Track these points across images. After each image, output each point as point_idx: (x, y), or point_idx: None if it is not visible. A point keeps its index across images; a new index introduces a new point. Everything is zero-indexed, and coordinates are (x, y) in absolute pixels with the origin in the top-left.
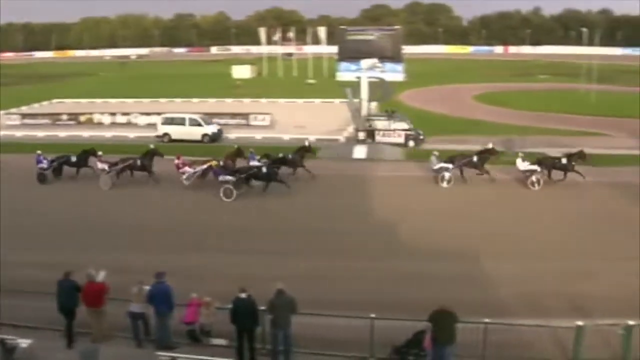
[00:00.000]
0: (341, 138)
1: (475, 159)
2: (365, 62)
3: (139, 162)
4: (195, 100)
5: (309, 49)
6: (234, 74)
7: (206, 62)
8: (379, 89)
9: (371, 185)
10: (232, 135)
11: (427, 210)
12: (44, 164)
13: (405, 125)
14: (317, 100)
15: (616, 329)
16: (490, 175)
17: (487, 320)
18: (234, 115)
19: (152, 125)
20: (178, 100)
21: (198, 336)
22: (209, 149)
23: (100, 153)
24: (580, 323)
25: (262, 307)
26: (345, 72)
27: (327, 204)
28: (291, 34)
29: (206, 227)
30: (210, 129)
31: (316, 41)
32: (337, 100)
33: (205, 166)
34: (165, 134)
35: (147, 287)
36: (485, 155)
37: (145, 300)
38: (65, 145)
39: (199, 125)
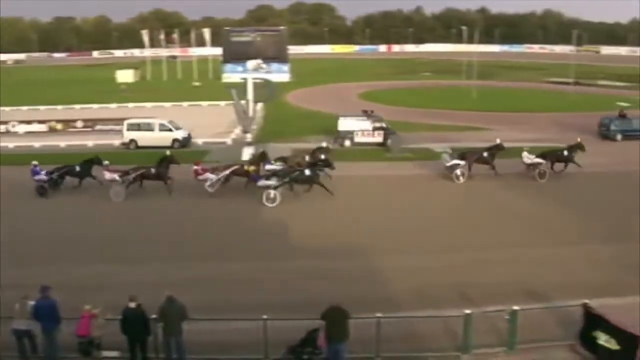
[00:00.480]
0: (228, 140)
1: (485, 154)
2: (251, 63)
3: (153, 170)
4: (77, 107)
5: (194, 51)
6: (118, 78)
7: (88, 67)
8: (265, 90)
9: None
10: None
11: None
12: (42, 175)
13: (383, 125)
14: (204, 103)
15: (502, 314)
16: (496, 170)
17: (379, 314)
18: (118, 122)
19: (33, 134)
20: (59, 107)
21: (89, 349)
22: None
23: (106, 162)
24: (468, 311)
25: (154, 316)
26: (231, 74)
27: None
28: (175, 36)
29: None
30: (181, 134)
31: (201, 43)
32: (223, 103)
33: (228, 171)
34: (132, 141)
35: (31, 303)
36: (494, 150)
37: (30, 316)
38: None
39: (169, 130)
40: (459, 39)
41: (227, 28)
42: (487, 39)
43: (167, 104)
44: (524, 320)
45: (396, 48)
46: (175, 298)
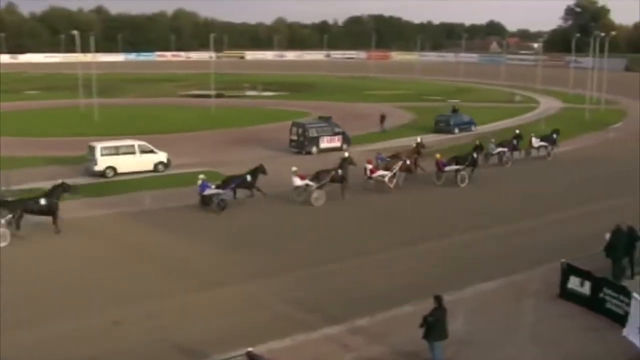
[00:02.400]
0: None
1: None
2: None
3: (340, 172)
4: None
5: None
6: None
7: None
8: None
9: None
10: None
11: None
12: (213, 190)
13: (340, 129)
14: None
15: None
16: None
17: None
18: None
19: None
20: None
21: None
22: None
23: (294, 168)
24: None
25: None
26: None
27: None
28: None
29: None
30: (164, 156)
31: None
32: None
33: (400, 163)
34: (109, 168)
35: None
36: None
37: None
38: None
39: (151, 152)
40: (70, 47)
41: None
42: (107, 46)
43: None
44: None
45: None
46: None
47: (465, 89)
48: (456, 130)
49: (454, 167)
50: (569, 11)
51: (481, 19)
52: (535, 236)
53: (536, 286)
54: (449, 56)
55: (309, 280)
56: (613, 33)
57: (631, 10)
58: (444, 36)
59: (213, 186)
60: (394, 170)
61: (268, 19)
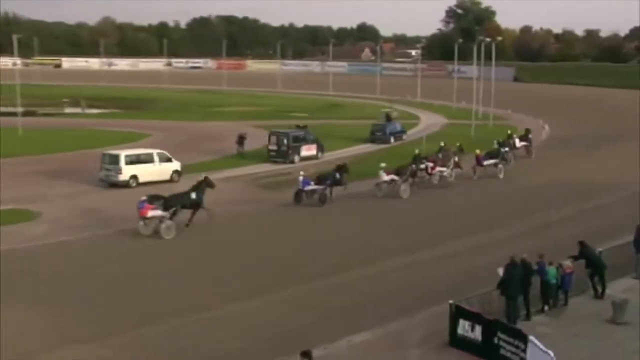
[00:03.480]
0: None
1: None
2: None
3: (414, 167)
4: None
5: None
6: None
7: None
8: None
9: None
10: None
11: None
12: (313, 186)
13: (314, 137)
14: None
15: None
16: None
17: None
18: None
19: None
20: None
21: None
22: None
23: (383, 164)
24: None
25: None
26: None
27: None
28: None
29: None
30: (178, 164)
31: None
32: None
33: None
34: (133, 177)
35: None
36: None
37: None
38: None
39: (169, 160)
40: None
41: None
42: None
43: None
44: None
45: None
46: None
47: (334, 103)
48: (392, 140)
49: (491, 161)
50: (451, 13)
51: (351, 22)
52: (425, 272)
53: (423, 333)
54: (315, 65)
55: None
56: (499, 38)
57: (518, 13)
58: (309, 41)
59: (312, 183)
60: (450, 167)
61: (91, 19)
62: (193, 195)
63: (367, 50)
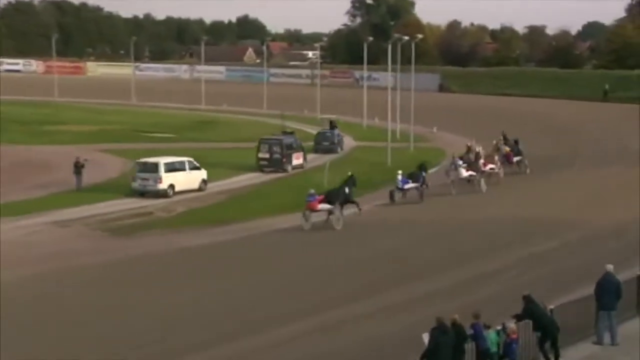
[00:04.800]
0: None
1: None
2: None
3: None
4: None
5: None
6: None
7: None
8: None
9: None
10: None
11: None
12: (411, 183)
13: (301, 144)
14: None
15: None
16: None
17: None
18: None
19: None
20: None
21: None
22: None
23: (460, 161)
24: None
25: None
26: None
27: None
28: None
29: None
30: (204, 173)
31: None
32: None
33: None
34: (170, 186)
35: None
36: None
37: None
38: None
39: (197, 168)
40: None
41: None
42: None
43: None
44: None
45: None
46: None
47: (208, 120)
48: (339, 149)
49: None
50: (358, 4)
51: (229, 15)
52: (317, 344)
53: None
54: (182, 70)
55: None
56: (420, 36)
57: (443, 5)
58: (174, 39)
59: (410, 181)
60: (498, 164)
61: None
62: (346, 190)
63: (250, 51)
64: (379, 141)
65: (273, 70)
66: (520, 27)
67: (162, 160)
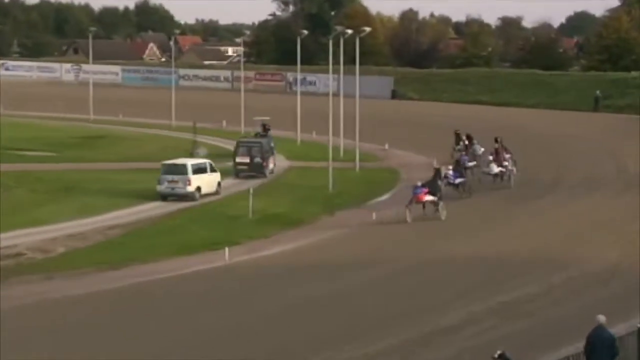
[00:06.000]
0: None
1: None
2: None
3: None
4: None
5: None
6: None
7: None
8: None
9: None
10: None
11: None
12: (460, 179)
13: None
14: None
15: None
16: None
17: None
18: None
19: None
20: None
21: None
22: None
23: (490, 157)
24: None
25: None
26: None
27: None
28: None
29: None
30: (219, 175)
31: None
32: None
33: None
34: (197, 189)
35: None
36: None
37: None
38: None
39: (215, 171)
40: None
41: None
42: None
43: None
44: None
45: None
46: None
47: (97, 135)
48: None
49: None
50: None
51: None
52: None
53: None
54: (64, 70)
55: None
56: (367, 29)
57: None
58: (51, 29)
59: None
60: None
61: None
62: (439, 182)
63: (153, 47)
64: (317, 161)
65: (183, 72)
66: (491, 20)
67: (189, 162)
